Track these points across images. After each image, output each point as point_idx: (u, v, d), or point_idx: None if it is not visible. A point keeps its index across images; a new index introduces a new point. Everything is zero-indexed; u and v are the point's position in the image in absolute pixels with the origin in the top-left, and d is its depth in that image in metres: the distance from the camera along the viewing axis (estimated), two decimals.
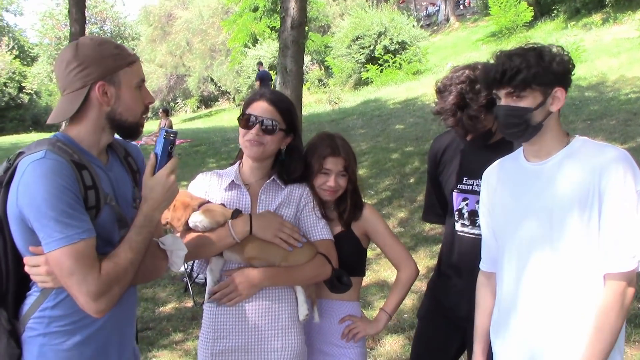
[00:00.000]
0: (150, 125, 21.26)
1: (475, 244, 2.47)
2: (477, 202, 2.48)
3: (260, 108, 2.41)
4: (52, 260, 1.74)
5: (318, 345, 2.63)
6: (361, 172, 9.85)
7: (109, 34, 38.02)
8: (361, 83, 22.31)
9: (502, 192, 2.19)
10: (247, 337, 2.36)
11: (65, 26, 32.66)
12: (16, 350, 1.82)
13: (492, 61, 2.04)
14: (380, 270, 6.00)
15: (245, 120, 2.42)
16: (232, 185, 2.47)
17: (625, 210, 1.88)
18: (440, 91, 2.47)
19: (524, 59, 1.95)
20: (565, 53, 2.02)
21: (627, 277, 1.90)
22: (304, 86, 9.43)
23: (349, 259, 2.60)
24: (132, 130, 1.97)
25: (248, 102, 2.47)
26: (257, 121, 2.39)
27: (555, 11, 21.48)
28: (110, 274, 1.78)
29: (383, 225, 2.70)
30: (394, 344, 4.55)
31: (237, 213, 2.36)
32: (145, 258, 1.91)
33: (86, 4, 12.47)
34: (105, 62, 1.86)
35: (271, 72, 22.63)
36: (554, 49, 2.02)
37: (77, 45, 1.87)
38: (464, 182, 2.59)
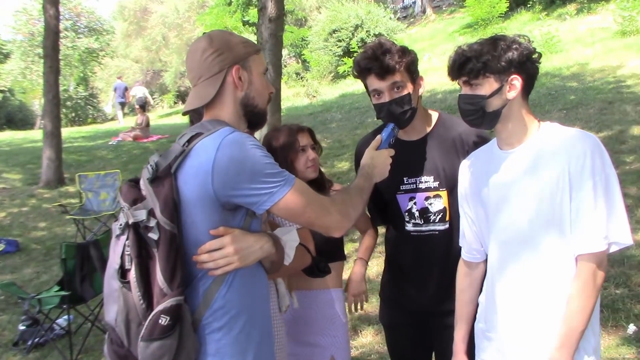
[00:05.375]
0: (127, 122, 21.03)
1: (433, 239, 2.49)
2: (426, 199, 2.48)
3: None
4: (282, 208, 1.81)
5: (305, 338, 2.62)
6: (342, 164, 9.84)
7: (84, 29, 37.33)
8: (339, 76, 22.27)
9: (477, 181, 2.21)
10: None
11: (39, 22, 32.03)
12: (198, 345, 1.79)
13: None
14: None
15: None
16: None
17: (594, 193, 1.92)
18: None
19: (476, 48, 2.01)
20: (526, 42, 2.05)
21: (598, 258, 1.93)
22: (281, 80, 9.39)
23: (326, 245, 2.58)
24: (260, 117, 2.04)
25: None
26: None
27: (530, 2, 21.63)
28: (344, 198, 1.98)
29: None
30: (375, 335, 4.57)
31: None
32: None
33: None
34: (237, 48, 1.96)
35: None
36: (519, 39, 2.05)
37: (209, 35, 1.99)
38: (405, 182, 2.53)
